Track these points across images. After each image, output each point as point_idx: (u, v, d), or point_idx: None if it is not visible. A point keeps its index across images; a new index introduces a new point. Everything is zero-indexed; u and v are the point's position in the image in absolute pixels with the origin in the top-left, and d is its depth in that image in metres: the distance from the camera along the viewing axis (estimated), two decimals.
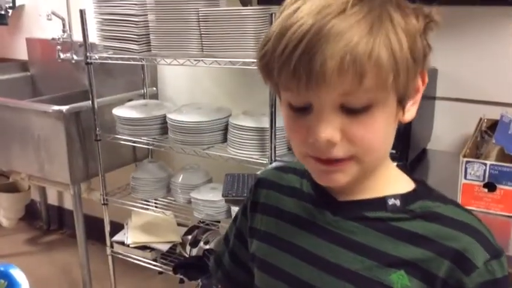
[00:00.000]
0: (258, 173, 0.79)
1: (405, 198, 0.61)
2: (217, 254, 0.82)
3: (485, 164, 1.09)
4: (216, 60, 1.61)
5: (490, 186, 1.09)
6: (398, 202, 0.61)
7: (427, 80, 0.59)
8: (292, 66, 0.51)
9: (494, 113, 1.42)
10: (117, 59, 1.81)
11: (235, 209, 1.66)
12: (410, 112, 0.59)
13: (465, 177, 1.11)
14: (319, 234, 0.63)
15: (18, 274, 0.64)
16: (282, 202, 0.69)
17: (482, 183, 1.10)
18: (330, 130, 0.53)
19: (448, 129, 1.59)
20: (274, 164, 1.52)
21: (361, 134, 0.54)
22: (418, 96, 0.60)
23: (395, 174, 0.65)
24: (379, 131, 0.55)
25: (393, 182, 0.63)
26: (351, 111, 0.53)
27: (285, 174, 0.72)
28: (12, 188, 2.52)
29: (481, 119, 1.43)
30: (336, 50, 0.50)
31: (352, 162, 0.56)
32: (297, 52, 0.51)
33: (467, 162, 1.10)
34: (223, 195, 1.27)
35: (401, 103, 0.56)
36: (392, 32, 0.52)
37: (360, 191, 0.62)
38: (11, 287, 0.63)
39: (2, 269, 0.64)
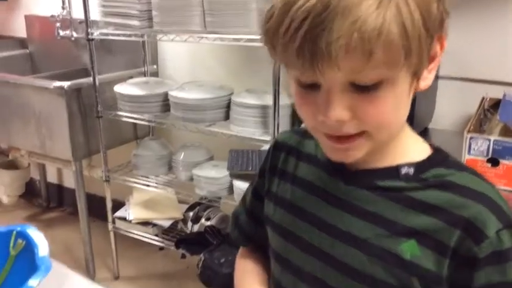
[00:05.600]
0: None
1: (419, 166, 0.60)
2: (234, 214, 0.83)
3: (489, 140, 1.10)
4: (219, 37, 1.60)
5: (494, 162, 1.11)
6: (411, 171, 0.60)
7: (445, 45, 0.57)
8: (297, 45, 0.49)
9: (496, 92, 1.43)
10: (118, 35, 1.80)
11: (237, 185, 1.67)
12: (427, 80, 0.57)
13: (469, 153, 1.13)
14: (332, 203, 0.64)
15: (35, 234, 0.65)
16: (299, 168, 0.70)
17: (485, 159, 1.11)
18: (338, 110, 0.53)
19: (450, 108, 1.60)
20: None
21: (371, 112, 0.53)
22: (436, 63, 0.57)
23: (411, 142, 0.63)
24: (389, 108, 0.54)
25: (408, 150, 0.62)
26: (360, 88, 0.52)
27: (303, 139, 0.71)
28: (12, 166, 2.52)
29: (483, 97, 1.44)
30: (343, 28, 0.47)
31: (363, 138, 0.56)
32: (302, 30, 0.48)
33: (471, 137, 1.12)
34: (228, 170, 1.29)
35: (416, 75, 0.55)
36: (403, 4, 0.49)
37: (373, 160, 0.61)
38: (29, 247, 0.64)
39: (19, 229, 0.65)
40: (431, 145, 0.64)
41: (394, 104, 0.54)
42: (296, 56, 0.50)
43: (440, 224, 0.56)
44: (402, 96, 0.55)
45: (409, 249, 0.57)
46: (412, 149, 0.62)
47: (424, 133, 1.57)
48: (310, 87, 0.54)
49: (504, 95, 1.36)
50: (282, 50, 0.52)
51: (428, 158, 0.61)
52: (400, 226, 0.58)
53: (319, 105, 0.54)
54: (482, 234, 0.55)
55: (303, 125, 0.66)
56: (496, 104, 1.38)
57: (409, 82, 0.55)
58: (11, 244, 0.67)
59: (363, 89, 0.52)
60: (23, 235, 0.66)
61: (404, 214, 0.58)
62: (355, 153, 0.57)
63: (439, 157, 0.62)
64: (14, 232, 0.67)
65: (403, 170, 0.60)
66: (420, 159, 0.61)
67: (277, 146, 0.74)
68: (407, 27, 0.49)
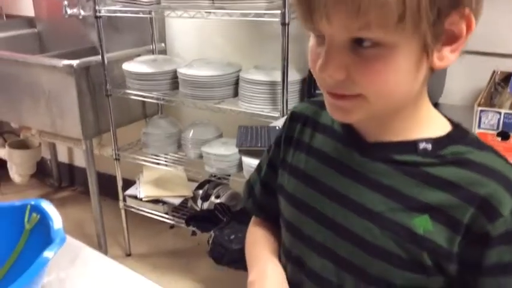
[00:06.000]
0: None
1: (437, 142, 0.59)
2: (249, 183, 0.83)
3: (499, 113, 1.09)
4: (227, 12, 1.59)
5: (504, 135, 1.10)
6: (429, 146, 0.59)
7: (474, 25, 0.53)
8: None
9: (508, 66, 1.41)
10: (126, 11, 1.79)
11: (246, 162, 1.68)
12: (445, 60, 0.54)
13: (479, 126, 1.12)
14: (346, 174, 0.63)
15: (50, 208, 0.66)
16: (314, 139, 0.69)
17: (496, 132, 1.11)
18: (333, 67, 0.53)
19: (461, 83, 1.58)
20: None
21: (366, 75, 0.53)
22: (460, 43, 0.54)
23: (431, 116, 0.62)
24: (386, 75, 0.53)
25: (427, 125, 0.61)
26: (359, 50, 0.52)
27: (320, 110, 0.71)
28: (23, 145, 2.55)
29: (494, 71, 1.42)
30: None
31: (359, 101, 0.55)
32: None
33: (481, 111, 1.11)
34: (237, 146, 1.29)
35: (425, 49, 0.52)
36: None
37: (389, 133, 0.61)
38: (43, 220, 0.65)
39: (33, 203, 0.66)
40: (451, 121, 0.62)
41: (393, 72, 0.53)
42: (297, 4, 0.53)
43: (454, 201, 0.56)
44: (405, 67, 0.53)
45: (422, 224, 0.57)
46: (431, 125, 0.61)
47: (434, 108, 1.56)
48: (320, 39, 0.55)
49: None
50: (295, 2, 0.54)
51: (448, 135, 0.60)
52: (414, 201, 0.58)
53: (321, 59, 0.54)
54: (496, 212, 0.54)
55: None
56: (507, 78, 1.36)
57: (417, 55, 0.53)
58: (26, 218, 0.68)
59: (362, 51, 0.52)
60: (37, 209, 0.67)
61: (419, 189, 0.58)
62: (352, 114, 0.57)
63: (458, 134, 0.61)
64: (28, 206, 0.68)
65: (421, 145, 0.59)
66: (439, 135, 0.60)
67: (294, 117, 0.74)
68: None
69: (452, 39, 0.54)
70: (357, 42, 0.52)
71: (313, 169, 0.68)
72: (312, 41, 0.57)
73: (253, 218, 0.84)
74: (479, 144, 0.60)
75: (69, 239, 0.73)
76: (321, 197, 0.65)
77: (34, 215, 0.66)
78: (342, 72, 0.53)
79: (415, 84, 0.56)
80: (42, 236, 0.64)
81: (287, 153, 0.73)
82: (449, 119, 0.63)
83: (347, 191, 0.63)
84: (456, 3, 0.51)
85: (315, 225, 0.65)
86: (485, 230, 0.55)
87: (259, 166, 0.82)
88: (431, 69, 0.56)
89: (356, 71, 0.53)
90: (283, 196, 0.72)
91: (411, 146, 0.60)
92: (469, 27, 0.53)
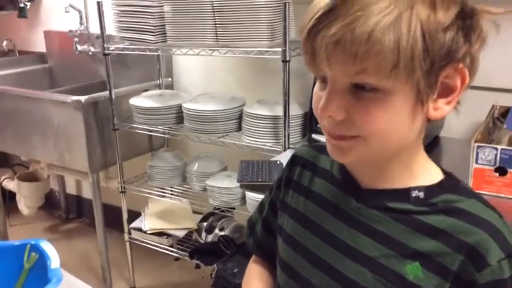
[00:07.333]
0: (295, 149, 0.81)
1: (429, 190, 0.61)
2: (251, 221, 0.85)
3: (496, 149, 1.10)
4: (230, 50, 1.63)
5: (501, 171, 1.11)
6: (422, 194, 0.61)
7: (467, 80, 0.56)
8: (304, 37, 0.55)
9: (507, 101, 1.43)
10: (133, 49, 1.85)
11: (250, 196, 1.69)
12: (440, 110, 0.57)
13: (476, 162, 1.13)
14: (342, 219, 0.65)
15: (48, 248, 0.68)
16: (313, 183, 0.71)
17: (493, 168, 1.11)
18: (334, 107, 0.56)
19: (461, 117, 1.57)
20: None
21: (363, 116, 0.55)
22: (455, 95, 0.57)
23: (424, 165, 0.64)
24: (381, 119, 0.55)
25: (420, 173, 0.63)
26: (361, 93, 0.54)
27: (321, 154, 0.73)
28: (32, 178, 2.58)
29: (493, 106, 1.44)
30: (339, 27, 0.51)
31: (357, 142, 0.57)
32: (309, 24, 0.54)
33: (478, 147, 1.12)
34: (238, 181, 1.30)
35: (418, 98, 0.55)
36: (406, 20, 0.50)
37: (384, 180, 0.62)
38: (42, 260, 0.67)
39: (33, 242, 0.68)
40: (443, 170, 0.64)
41: (388, 117, 0.55)
42: (304, 49, 0.56)
43: (444, 248, 0.57)
44: (402, 112, 0.55)
45: (413, 271, 0.58)
46: (424, 173, 0.63)
47: (435, 142, 1.57)
48: (324, 84, 0.58)
49: None
50: (302, 46, 0.57)
51: (440, 183, 0.62)
52: (407, 248, 0.59)
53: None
54: (484, 261, 0.56)
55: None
56: (506, 112, 1.37)
57: (412, 102, 0.55)
58: (25, 257, 0.70)
59: (361, 94, 0.55)
60: (36, 248, 0.69)
61: (411, 237, 0.59)
62: (350, 154, 0.59)
63: (450, 183, 0.63)
64: (28, 246, 0.70)
65: (414, 193, 0.61)
66: (431, 184, 0.62)
67: (294, 160, 0.76)
68: (401, 40, 0.50)
69: (447, 91, 0.56)
70: (357, 86, 0.55)
71: (311, 212, 0.69)
72: (316, 86, 0.61)
73: (253, 256, 0.86)
74: (469, 193, 0.62)
75: (69, 277, 0.75)
76: (317, 241, 0.67)
77: (33, 254, 0.68)
78: (342, 113, 0.56)
79: (410, 132, 0.58)
80: (41, 275, 0.66)
81: (287, 195, 0.75)
82: (441, 168, 0.65)
83: (343, 235, 0.64)
84: (450, 58, 0.54)
85: (311, 268, 0.67)
86: (473, 278, 0.56)
87: (261, 205, 0.83)
88: (428, 120, 0.58)
89: (355, 112, 0.55)
90: (282, 237, 0.73)
91: (404, 193, 0.61)
92: (463, 82, 0.56)
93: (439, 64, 0.53)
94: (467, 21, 0.54)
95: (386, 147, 0.59)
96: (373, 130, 0.56)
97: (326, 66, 0.54)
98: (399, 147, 0.60)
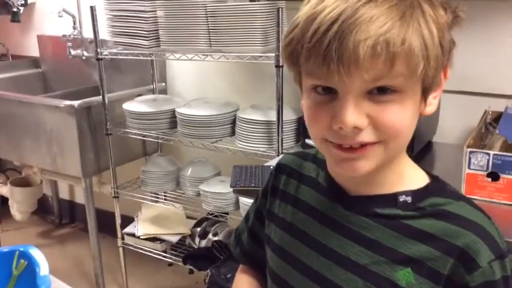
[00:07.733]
0: (279, 157, 0.81)
1: (416, 194, 0.61)
2: (237, 231, 0.85)
3: (488, 154, 1.11)
4: (224, 55, 1.64)
5: (494, 176, 1.11)
6: (409, 199, 0.61)
7: (448, 75, 0.59)
8: (324, 48, 0.51)
9: (499, 106, 1.43)
10: (126, 54, 1.84)
11: (243, 201, 1.69)
12: (432, 105, 0.59)
13: (469, 167, 1.13)
14: (331, 227, 0.65)
15: (37, 254, 0.67)
16: (300, 191, 0.71)
17: (485, 173, 1.12)
18: (356, 116, 0.53)
19: (454, 122, 1.60)
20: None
21: (390, 120, 0.54)
22: (440, 90, 0.60)
23: (410, 170, 0.64)
24: (406, 118, 0.55)
25: (406, 177, 0.63)
26: (378, 97, 0.54)
27: (305, 162, 0.73)
28: (25, 183, 2.56)
29: (485, 111, 1.44)
30: (371, 32, 0.50)
31: (377, 147, 0.56)
32: (331, 32, 0.51)
33: (471, 152, 1.12)
34: (231, 186, 1.30)
35: (424, 94, 0.57)
36: (423, 21, 0.52)
37: (371, 186, 0.62)
38: (31, 267, 0.66)
39: (22, 249, 0.68)
40: (428, 173, 0.64)
41: (410, 115, 0.56)
42: (322, 59, 0.52)
43: (435, 252, 0.57)
44: (415, 111, 0.57)
45: (404, 276, 0.58)
46: (410, 177, 0.63)
47: (428, 147, 1.58)
48: (326, 96, 0.55)
49: (506, 108, 1.36)
50: (306, 56, 0.54)
51: (426, 187, 0.62)
52: (397, 254, 0.59)
53: (335, 112, 0.54)
54: (474, 263, 0.56)
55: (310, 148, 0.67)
56: (498, 117, 1.38)
57: (418, 101, 0.57)
58: (14, 264, 0.69)
59: (382, 98, 0.54)
60: (25, 255, 0.68)
61: (401, 242, 0.59)
62: (366, 164, 0.57)
63: (436, 186, 0.63)
64: (17, 252, 0.69)
65: (401, 198, 0.61)
66: (418, 188, 0.62)
67: (279, 168, 0.76)
68: (427, 40, 0.52)
69: (436, 87, 0.58)
70: (373, 91, 0.54)
71: (299, 221, 0.69)
72: (312, 97, 0.57)
73: (240, 265, 0.85)
74: (456, 195, 0.62)
75: (59, 284, 0.74)
76: (306, 249, 0.66)
77: (22, 261, 0.67)
78: (366, 120, 0.54)
79: (412, 130, 0.59)
80: (29, 281, 0.65)
81: (273, 204, 0.74)
82: (427, 172, 0.65)
83: (332, 243, 0.64)
84: (449, 55, 0.57)
85: (301, 278, 0.66)
86: (465, 281, 0.56)
87: (247, 215, 0.83)
88: (420, 115, 0.59)
89: (378, 117, 0.54)
90: (270, 247, 0.73)
91: (391, 199, 0.61)
92: (445, 76, 0.59)
93: (445, 60, 0.56)
94: (454, 19, 0.58)
95: (399, 149, 0.59)
96: (395, 132, 0.56)
97: (362, 72, 0.51)
98: (403, 149, 0.61)
